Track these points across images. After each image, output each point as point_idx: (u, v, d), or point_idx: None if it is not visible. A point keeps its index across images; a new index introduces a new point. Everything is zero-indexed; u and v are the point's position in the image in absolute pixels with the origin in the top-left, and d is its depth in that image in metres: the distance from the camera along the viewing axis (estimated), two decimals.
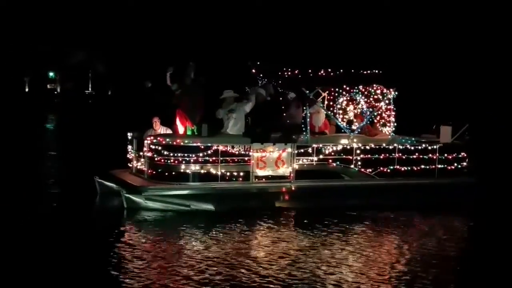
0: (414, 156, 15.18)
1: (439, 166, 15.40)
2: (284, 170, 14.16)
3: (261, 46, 46.93)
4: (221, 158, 13.60)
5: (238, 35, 52.56)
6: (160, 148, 13.56)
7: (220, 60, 41.32)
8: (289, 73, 14.88)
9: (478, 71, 49.51)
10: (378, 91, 15.69)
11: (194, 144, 13.54)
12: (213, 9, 57.28)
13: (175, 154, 13.43)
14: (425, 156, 15.27)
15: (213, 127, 14.18)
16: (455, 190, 15.24)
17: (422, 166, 15.25)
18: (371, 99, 15.95)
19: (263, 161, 14.00)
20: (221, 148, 13.58)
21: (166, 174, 13.49)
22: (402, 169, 15.08)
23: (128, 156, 15.01)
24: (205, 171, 13.52)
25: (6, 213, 12.95)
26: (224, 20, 55.65)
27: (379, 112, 15.92)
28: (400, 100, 15.85)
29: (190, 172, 13.47)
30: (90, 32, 67.57)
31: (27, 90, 79.06)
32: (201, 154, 13.46)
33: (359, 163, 14.72)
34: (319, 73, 14.87)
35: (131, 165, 14.81)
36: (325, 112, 15.73)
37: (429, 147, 15.34)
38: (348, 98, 16.46)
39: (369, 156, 14.81)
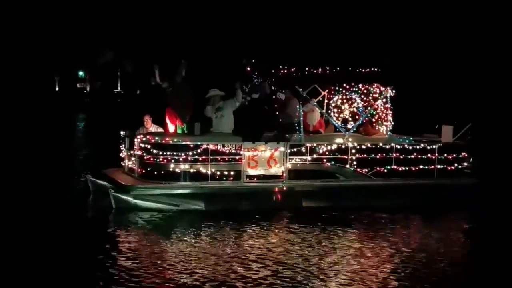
0: (412, 156, 14.80)
1: (439, 166, 14.99)
2: (277, 169, 13.92)
3: (260, 46, 46.83)
4: (211, 157, 13.44)
5: (237, 33, 52.51)
6: (149, 146, 13.45)
7: (216, 59, 41.23)
8: (285, 71, 14.65)
9: (478, 71, 48.90)
10: (377, 90, 15.35)
11: (184, 143, 13.40)
12: (212, 8, 57.34)
13: (164, 153, 13.32)
14: (423, 156, 14.88)
15: (204, 126, 14.03)
16: (455, 191, 14.83)
17: (421, 166, 14.86)
18: (370, 97, 15.59)
19: (255, 160, 13.78)
20: (211, 146, 13.41)
21: (156, 173, 13.39)
22: (400, 169, 14.72)
23: (121, 155, 14.94)
24: (195, 170, 13.36)
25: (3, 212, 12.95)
26: (223, 18, 55.68)
27: (377, 112, 15.55)
28: (403, 100, 15.51)
29: (179, 171, 13.34)
30: (119, 31, 68.29)
31: (57, 89, 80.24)
32: (190, 153, 13.32)
33: (355, 163, 14.41)
34: (314, 71, 14.61)
35: (123, 164, 14.74)
36: (319, 111, 15.42)
37: (428, 147, 14.94)
38: (345, 96, 16.10)
39: (365, 155, 14.48)
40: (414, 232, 12.69)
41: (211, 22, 57.08)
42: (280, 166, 13.91)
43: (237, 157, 13.63)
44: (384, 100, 15.27)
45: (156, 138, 13.55)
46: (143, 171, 13.61)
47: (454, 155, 15.11)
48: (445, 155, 15.02)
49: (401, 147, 14.75)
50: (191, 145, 13.35)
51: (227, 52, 46.86)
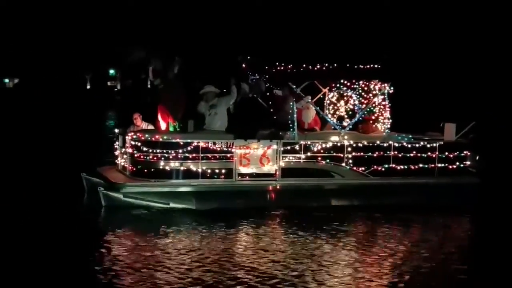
0: (412, 154, 14.39)
1: (439, 165, 14.55)
2: (269, 167, 13.66)
3: (259, 42, 46.53)
4: (202, 155, 13.26)
5: (236, 30, 52.26)
6: (139, 144, 13.34)
7: (212, 55, 41.05)
8: (279, 68, 14.39)
9: (478, 71, 47.95)
10: (376, 86, 14.98)
11: (174, 140, 13.26)
12: (209, 4, 57.20)
13: (155, 151, 13.20)
14: (423, 155, 14.45)
15: (197, 124, 13.87)
16: (456, 190, 14.37)
17: (421, 165, 14.45)
18: (367, 94, 15.23)
19: (247, 158, 13.55)
20: (201, 144, 13.23)
21: (146, 170, 13.27)
22: (398, 167, 14.33)
23: (115, 153, 14.89)
24: (185, 168, 13.20)
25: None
26: (221, 15, 55.49)
27: (376, 109, 15.17)
28: (404, 98, 15.13)
29: (169, 169, 13.20)
30: (149, 30, 68.73)
31: (88, 87, 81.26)
32: (180, 151, 13.17)
33: (351, 161, 14.07)
34: (310, 67, 14.30)
35: (117, 162, 14.68)
36: (314, 108, 15.12)
37: (428, 145, 14.51)
38: (342, 93, 15.77)
39: (361, 153, 14.13)
40: (409, 233, 12.25)
41: (207, 18, 57.04)
42: (273, 164, 13.65)
43: (228, 155, 13.42)
44: (382, 97, 14.89)
45: (146, 135, 13.43)
46: (134, 169, 13.51)
47: (455, 153, 14.65)
48: (446, 153, 14.57)
49: (400, 145, 14.35)
50: (181, 143, 13.19)
51: (223, 49, 46.68)
